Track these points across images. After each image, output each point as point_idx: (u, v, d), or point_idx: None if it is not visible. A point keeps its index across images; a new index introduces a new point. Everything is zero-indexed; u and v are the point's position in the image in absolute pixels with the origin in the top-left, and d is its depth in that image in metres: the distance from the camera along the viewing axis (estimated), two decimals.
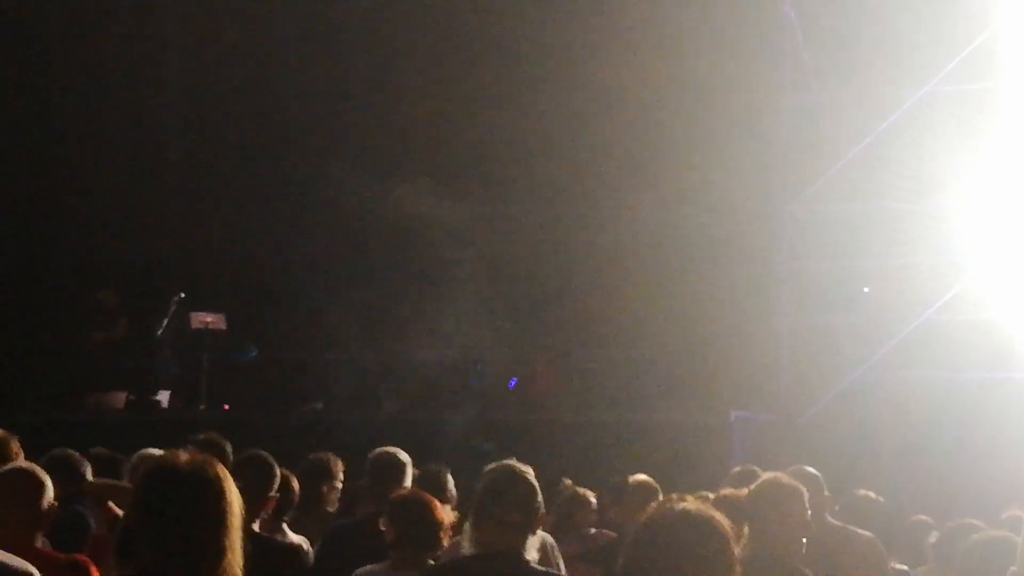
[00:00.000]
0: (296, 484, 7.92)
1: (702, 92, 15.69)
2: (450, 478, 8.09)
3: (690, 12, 15.86)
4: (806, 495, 5.85)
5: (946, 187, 14.41)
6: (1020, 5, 14.52)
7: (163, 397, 15.60)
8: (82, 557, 5.75)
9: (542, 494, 5.28)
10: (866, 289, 15.43)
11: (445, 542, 6.13)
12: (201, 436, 7.79)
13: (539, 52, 17.09)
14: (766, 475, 6.19)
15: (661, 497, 7.18)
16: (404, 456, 7.50)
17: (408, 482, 7.40)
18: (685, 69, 15.77)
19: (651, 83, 16.18)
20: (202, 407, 15.42)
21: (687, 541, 3.45)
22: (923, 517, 8.99)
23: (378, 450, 7.59)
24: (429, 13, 17.97)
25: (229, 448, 7.61)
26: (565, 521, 8.58)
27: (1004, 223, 14.41)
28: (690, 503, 3.60)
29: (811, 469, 7.32)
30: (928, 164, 14.44)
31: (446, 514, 6.20)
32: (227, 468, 5.82)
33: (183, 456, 3.62)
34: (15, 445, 6.84)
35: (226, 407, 15.62)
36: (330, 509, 8.03)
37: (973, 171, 14.29)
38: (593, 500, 8.76)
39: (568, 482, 9.32)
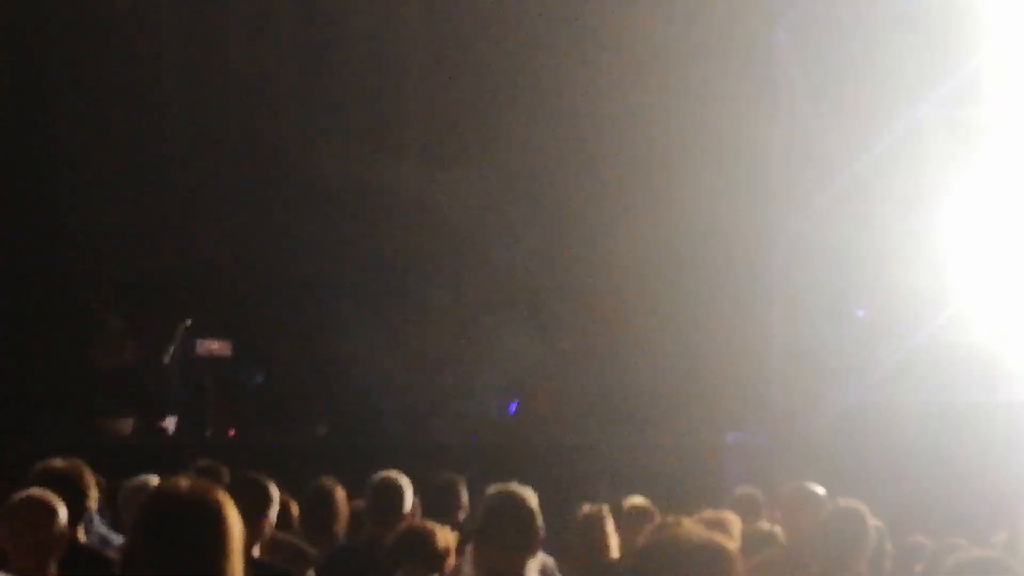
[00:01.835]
0: (295, 508, 8.01)
1: (698, 115, 15.77)
2: (464, 489, 8.22)
3: (685, 37, 15.97)
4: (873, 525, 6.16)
5: (938, 209, 14.51)
6: (1009, 33, 14.64)
7: (170, 423, 15.66)
8: None
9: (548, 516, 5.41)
10: (861, 313, 15.52)
11: (449, 566, 6.23)
12: (200, 463, 7.88)
13: (530, 76, 17.18)
14: (833, 505, 6.46)
15: (657, 519, 7.35)
16: (405, 480, 7.62)
17: (408, 506, 7.52)
18: (683, 92, 15.86)
19: (647, 105, 16.29)
20: (208, 432, 15.50)
21: (690, 567, 3.42)
22: (920, 538, 9.08)
23: (379, 474, 7.70)
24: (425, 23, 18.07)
25: (227, 474, 7.67)
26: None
27: (996, 246, 14.51)
28: (692, 528, 3.59)
29: (812, 485, 7.46)
30: (920, 187, 14.55)
31: (449, 538, 6.29)
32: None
33: (184, 482, 3.64)
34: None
35: (232, 432, 15.69)
36: (337, 533, 8.13)
37: (964, 194, 14.40)
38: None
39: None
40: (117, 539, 7.58)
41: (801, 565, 6.37)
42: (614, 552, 7.80)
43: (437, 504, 8.08)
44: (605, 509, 7.95)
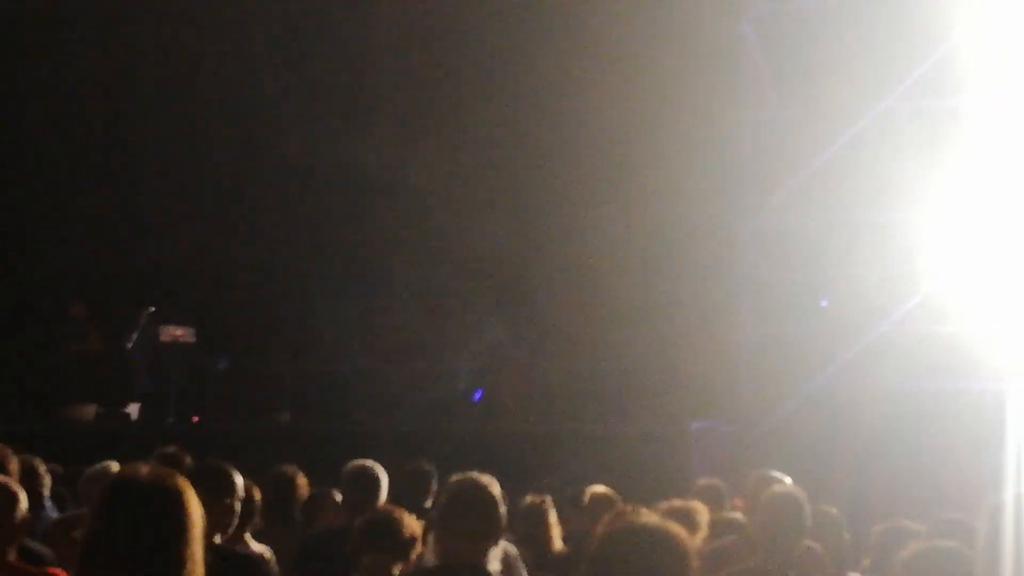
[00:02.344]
0: (258, 494, 7.97)
1: (663, 107, 15.75)
2: (435, 477, 8.24)
3: (652, 29, 15.94)
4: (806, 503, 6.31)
5: (905, 200, 14.51)
6: (977, 22, 14.64)
7: (132, 410, 15.56)
8: (54, 570, 5.74)
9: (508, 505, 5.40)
10: (824, 303, 15.52)
11: (415, 553, 6.18)
12: (162, 450, 7.84)
13: (499, 66, 17.13)
14: (774, 487, 6.65)
15: (619, 508, 7.35)
16: (380, 470, 7.60)
17: (383, 495, 7.49)
18: (646, 84, 15.83)
19: (613, 98, 16.25)
20: (171, 419, 15.40)
21: (645, 555, 3.44)
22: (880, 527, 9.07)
23: (353, 463, 7.69)
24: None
25: (189, 461, 7.62)
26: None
27: (962, 236, 14.52)
28: (648, 517, 3.59)
29: (776, 474, 7.47)
30: (887, 177, 14.53)
31: (415, 525, 6.25)
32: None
33: (143, 469, 3.65)
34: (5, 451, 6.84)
35: (195, 419, 15.60)
36: (297, 520, 8.09)
37: (932, 184, 14.39)
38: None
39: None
40: None
41: (753, 550, 6.45)
42: (557, 543, 7.84)
43: (407, 491, 8.08)
44: (548, 501, 8.00)
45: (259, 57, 17.99)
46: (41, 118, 17.99)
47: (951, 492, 12.22)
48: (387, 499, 7.91)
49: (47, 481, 7.82)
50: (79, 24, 18.21)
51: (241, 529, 7.14)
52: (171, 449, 7.87)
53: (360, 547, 6.17)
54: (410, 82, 17.84)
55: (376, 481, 7.52)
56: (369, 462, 7.66)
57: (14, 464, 6.56)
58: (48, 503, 7.80)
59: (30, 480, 7.56)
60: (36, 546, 6.19)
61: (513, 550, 6.96)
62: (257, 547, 7.17)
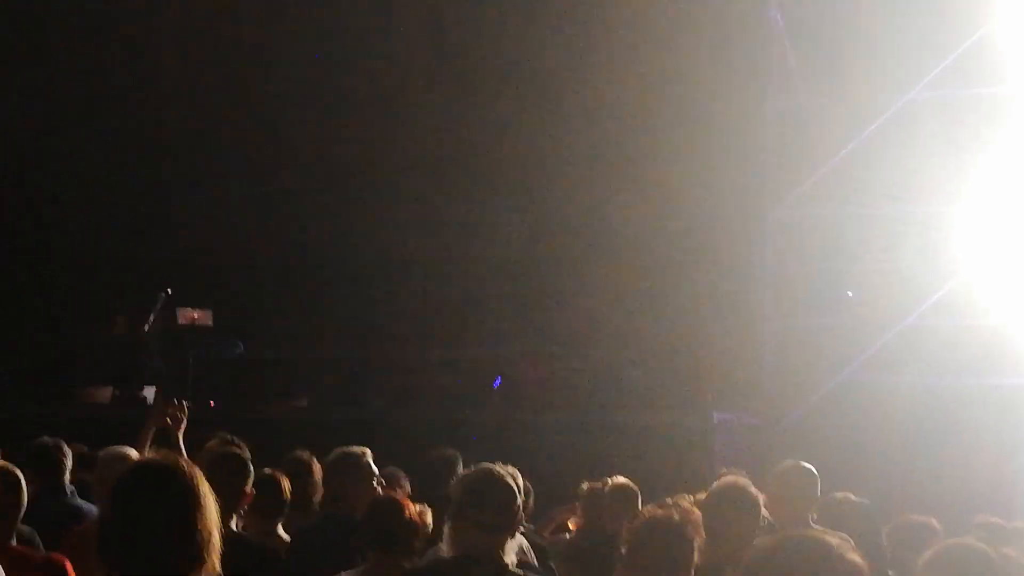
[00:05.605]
0: (287, 484, 7.89)
1: (687, 95, 15.65)
2: (460, 465, 8.11)
3: (676, 16, 15.82)
4: (761, 499, 6.01)
5: (931, 192, 14.40)
6: (1005, 12, 14.52)
7: (148, 393, 15.50)
8: (58, 556, 5.67)
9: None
10: (850, 293, 15.39)
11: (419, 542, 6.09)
12: (221, 435, 7.79)
13: (521, 55, 17.04)
14: (723, 478, 6.36)
15: (639, 499, 7.22)
16: (365, 453, 7.44)
17: (373, 482, 7.38)
18: (670, 72, 15.73)
19: (636, 86, 16.16)
20: (188, 404, 15.30)
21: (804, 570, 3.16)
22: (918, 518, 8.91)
23: (337, 450, 7.53)
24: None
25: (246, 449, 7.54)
26: None
27: (988, 228, 14.40)
28: (812, 532, 3.36)
29: (807, 465, 7.34)
30: (913, 169, 14.42)
31: (423, 515, 6.14)
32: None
33: (156, 456, 3.67)
34: None
35: (212, 403, 15.55)
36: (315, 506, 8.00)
37: (958, 176, 14.28)
38: None
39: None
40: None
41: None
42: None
43: (431, 478, 7.93)
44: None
45: (275, 36, 17.95)
46: (60, 103, 17.96)
47: (979, 489, 12.12)
48: (412, 487, 7.84)
49: (68, 466, 7.76)
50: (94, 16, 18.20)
51: (272, 520, 7.06)
52: (227, 436, 7.83)
53: (368, 543, 6.10)
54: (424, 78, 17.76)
55: (363, 467, 7.34)
56: (352, 448, 7.46)
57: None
58: (70, 489, 7.74)
59: (51, 465, 7.52)
60: (25, 529, 6.17)
61: (526, 543, 6.79)
62: (287, 539, 7.09)
